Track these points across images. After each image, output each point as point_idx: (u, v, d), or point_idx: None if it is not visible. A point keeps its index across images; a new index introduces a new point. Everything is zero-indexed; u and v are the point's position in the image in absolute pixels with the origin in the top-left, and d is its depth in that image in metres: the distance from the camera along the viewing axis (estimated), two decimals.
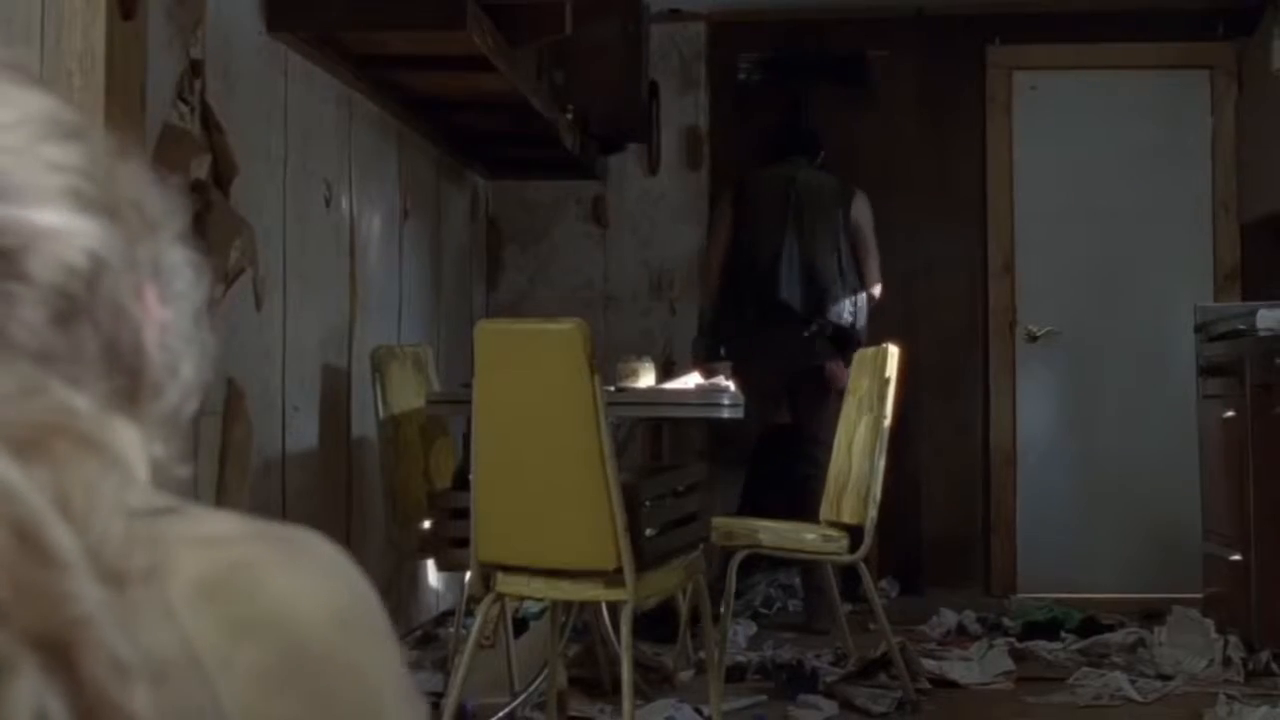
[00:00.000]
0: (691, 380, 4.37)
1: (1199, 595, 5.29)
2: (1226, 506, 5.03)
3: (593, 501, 3.13)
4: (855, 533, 4.27)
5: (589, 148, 5.90)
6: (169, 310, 0.75)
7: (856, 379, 4.53)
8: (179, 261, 0.77)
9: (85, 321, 0.67)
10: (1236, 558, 4.86)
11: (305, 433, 4.03)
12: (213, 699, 0.61)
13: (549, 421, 3.19)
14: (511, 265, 6.48)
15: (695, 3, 6.34)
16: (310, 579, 0.67)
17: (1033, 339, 6.36)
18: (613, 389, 3.73)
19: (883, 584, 5.83)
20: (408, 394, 4.32)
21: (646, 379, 4.25)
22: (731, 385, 4.19)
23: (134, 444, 0.70)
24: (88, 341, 0.67)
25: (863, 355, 4.52)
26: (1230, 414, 4.94)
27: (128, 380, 0.71)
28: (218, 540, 0.66)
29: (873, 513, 4.19)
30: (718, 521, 4.13)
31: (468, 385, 3.52)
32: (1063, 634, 5.03)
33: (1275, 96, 5.44)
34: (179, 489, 0.74)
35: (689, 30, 6.47)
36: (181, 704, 0.61)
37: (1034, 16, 6.31)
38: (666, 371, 5.27)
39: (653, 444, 5.64)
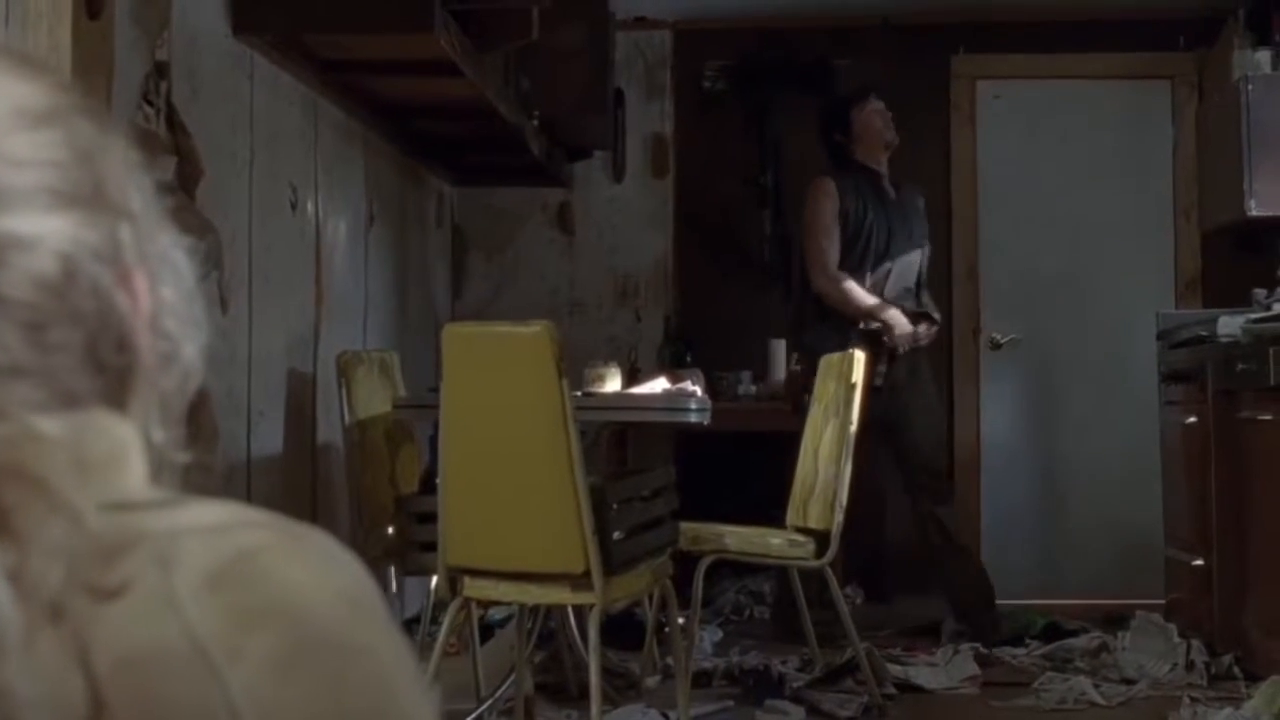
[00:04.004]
0: (659, 385, 4.37)
1: (1161, 601, 5.33)
2: (1188, 512, 5.07)
3: (560, 504, 3.13)
4: (822, 538, 4.28)
5: (555, 155, 5.90)
6: (164, 292, 0.74)
7: (823, 384, 4.54)
8: (167, 242, 0.76)
9: (62, 325, 0.66)
10: (1198, 563, 4.89)
11: (270, 438, 4.01)
12: (221, 689, 0.60)
13: (517, 424, 3.19)
14: (477, 272, 6.47)
15: (661, 10, 6.36)
16: (315, 566, 0.66)
17: (996, 346, 6.40)
18: (580, 394, 3.73)
19: (848, 590, 5.83)
20: (374, 399, 4.31)
21: (613, 384, 4.25)
22: (699, 390, 4.19)
23: (125, 440, 0.69)
24: (66, 343, 0.66)
25: (828, 361, 4.53)
26: (1192, 420, 4.97)
27: (117, 372, 0.70)
28: (220, 528, 0.65)
29: (839, 518, 4.20)
30: (685, 526, 4.13)
31: (435, 390, 3.52)
32: (1027, 640, 5.05)
33: (1235, 107, 5.48)
34: (180, 475, 0.73)
35: (655, 38, 6.48)
36: (187, 695, 0.60)
37: (998, 26, 6.35)
38: (632, 378, 5.27)
39: (619, 449, 5.63)
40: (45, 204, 0.66)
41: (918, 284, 5.32)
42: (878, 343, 5.08)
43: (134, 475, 0.69)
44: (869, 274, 5.21)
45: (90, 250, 0.67)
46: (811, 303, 5.30)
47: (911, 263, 5.30)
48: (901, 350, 5.17)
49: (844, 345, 4.60)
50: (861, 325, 5.14)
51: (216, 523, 0.66)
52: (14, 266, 0.64)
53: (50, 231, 0.66)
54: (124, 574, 0.61)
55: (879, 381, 5.06)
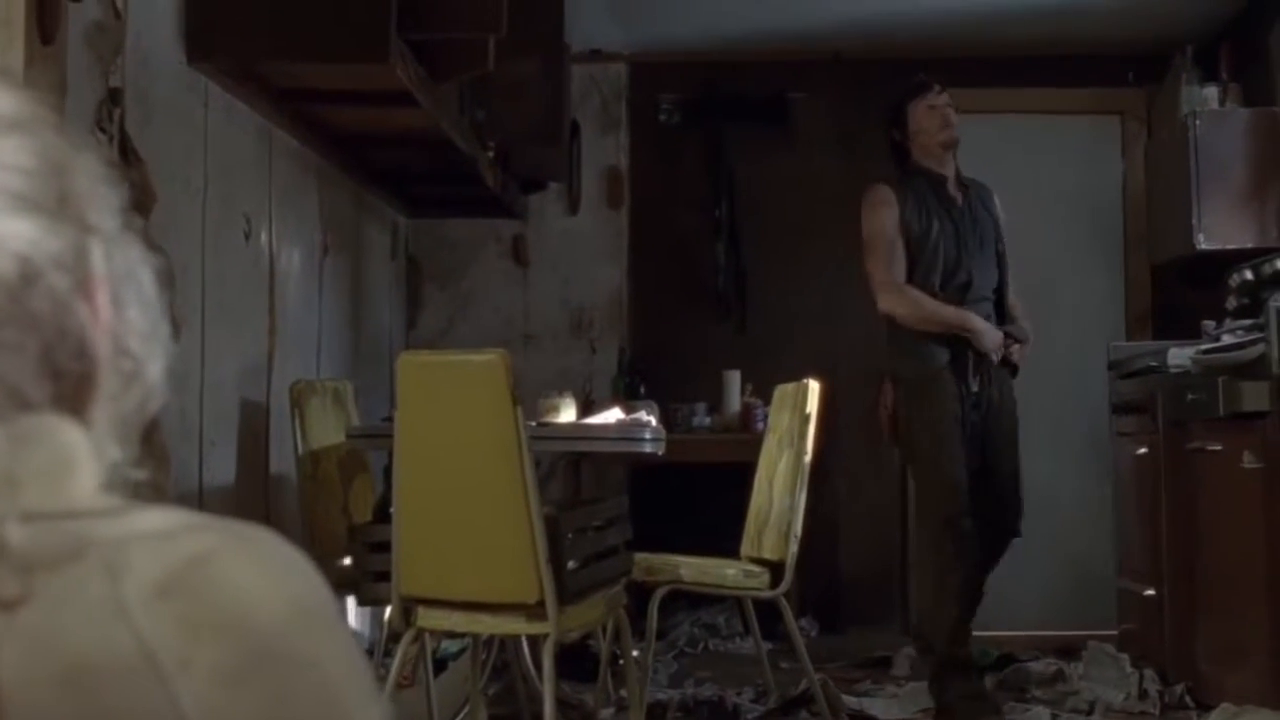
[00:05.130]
0: (613, 416, 4.37)
1: (1114, 631, 5.35)
2: (1140, 542, 5.10)
3: (515, 533, 3.12)
4: (776, 568, 4.28)
5: (510, 186, 5.90)
6: (129, 311, 0.73)
7: (777, 414, 4.55)
8: (135, 259, 0.75)
9: (15, 326, 0.65)
10: (1150, 593, 4.92)
11: (223, 467, 3.98)
12: (170, 699, 0.59)
13: (471, 453, 3.18)
14: (431, 303, 6.46)
15: (616, 43, 6.38)
16: (267, 574, 0.65)
17: None
18: (534, 424, 3.73)
19: (802, 623, 5.83)
20: (327, 429, 4.29)
21: (567, 415, 4.25)
22: (654, 421, 4.19)
23: (73, 446, 0.68)
24: (20, 346, 0.65)
25: (783, 391, 4.54)
26: (1143, 450, 5.01)
27: (74, 380, 0.69)
28: (168, 534, 0.65)
29: (794, 548, 4.20)
30: (639, 557, 4.12)
31: (389, 419, 3.50)
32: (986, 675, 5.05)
33: (1184, 142, 5.55)
34: (132, 493, 0.72)
35: (610, 71, 6.51)
36: (137, 704, 0.59)
37: (951, 61, 6.39)
38: (586, 409, 5.27)
39: (573, 481, 5.62)
40: (5, 206, 0.66)
41: (999, 295, 4.73)
42: (963, 355, 4.54)
43: (82, 483, 0.68)
44: (942, 289, 4.60)
45: (51, 257, 0.67)
46: (888, 328, 4.70)
47: (989, 272, 4.70)
48: (995, 358, 4.59)
49: (931, 364, 4.49)
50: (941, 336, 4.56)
51: (164, 528, 0.65)
52: None
53: (9, 234, 0.65)
54: (38, 585, 0.60)
55: (975, 387, 4.56)
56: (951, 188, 4.75)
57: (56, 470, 0.66)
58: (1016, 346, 4.64)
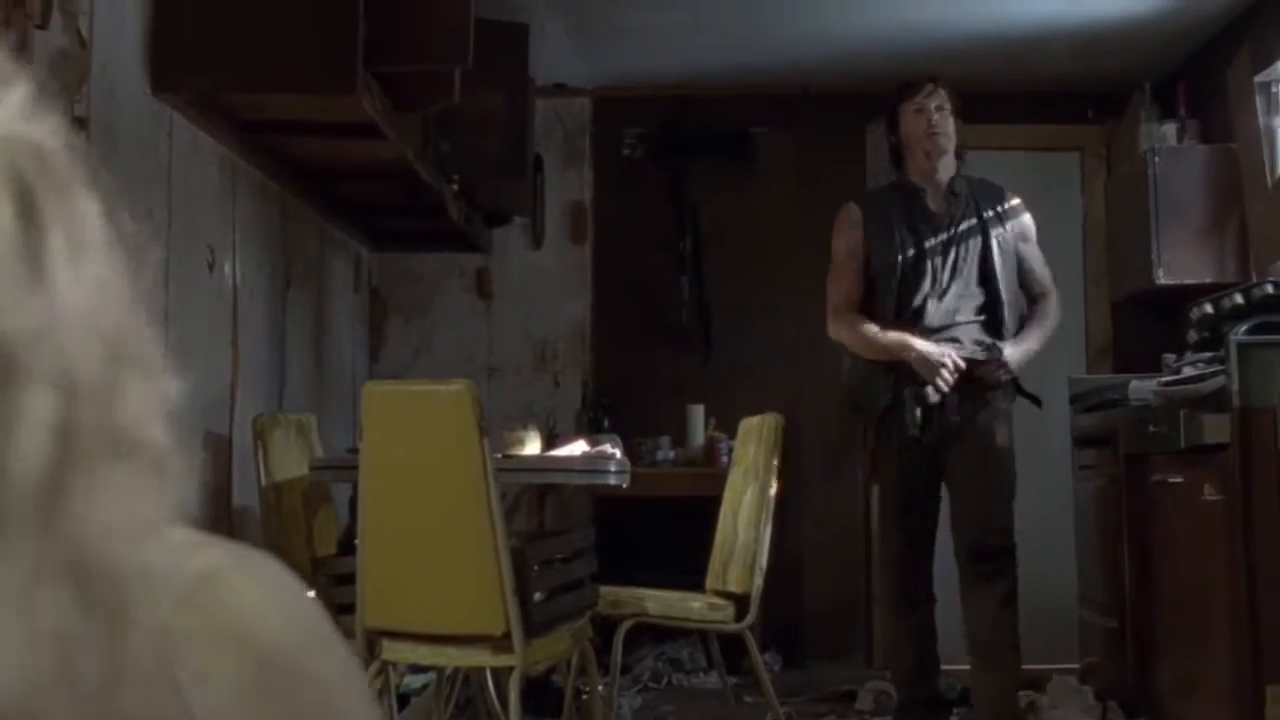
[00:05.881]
0: (578, 448, 4.36)
1: (1076, 665, 5.36)
2: (1101, 574, 5.12)
3: (481, 564, 3.10)
4: (741, 602, 4.27)
5: (474, 220, 5.90)
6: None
7: (742, 448, 4.55)
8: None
9: None
10: (1112, 625, 4.94)
11: (185, 501, 3.94)
12: (185, 710, 0.59)
13: (437, 483, 3.16)
14: (395, 336, 6.44)
15: (581, 78, 6.40)
16: (272, 593, 0.65)
17: None
18: (499, 456, 3.71)
19: (766, 657, 5.82)
20: (290, 462, 4.26)
21: (532, 447, 4.24)
22: (619, 453, 4.19)
23: None
24: None
25: (748, 424, 4.54)
26: (1104, 483, 5.04)
27: None
28: (176, 549, 0.64)
29: (759, 581, 4.20)
30: (604, 591, 4.11)
31: (353, 451, 3.49)
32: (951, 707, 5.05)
33: (1143, 178, 5.61)
34: None
35: (574, 105, 6.52)
36: (153, 714, 0.59)
37: None
38: (550, 443, 5.26)
39: (537, 514, 5.61)
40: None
41: (988, 313, 4.35)
42: (908, 385, 4.26)
43: None
44: (898, 316, 4.32)
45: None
46: (850, 355, 4.53)
47: (969, 293, 4.34)
48: (940, 386, 4.22)
49: (892, 395, 4.25)
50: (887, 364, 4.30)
51: (172, 543, 0.65)
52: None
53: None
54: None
55: (914, 430, 4.24)
56: (935, 200, 4.41)
57: None
58: (993, 365, 4.28)
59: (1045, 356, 6.32)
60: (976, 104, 6.46)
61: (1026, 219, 4.56)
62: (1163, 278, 5.51)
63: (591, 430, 5.74)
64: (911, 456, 4.30)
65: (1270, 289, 4.34)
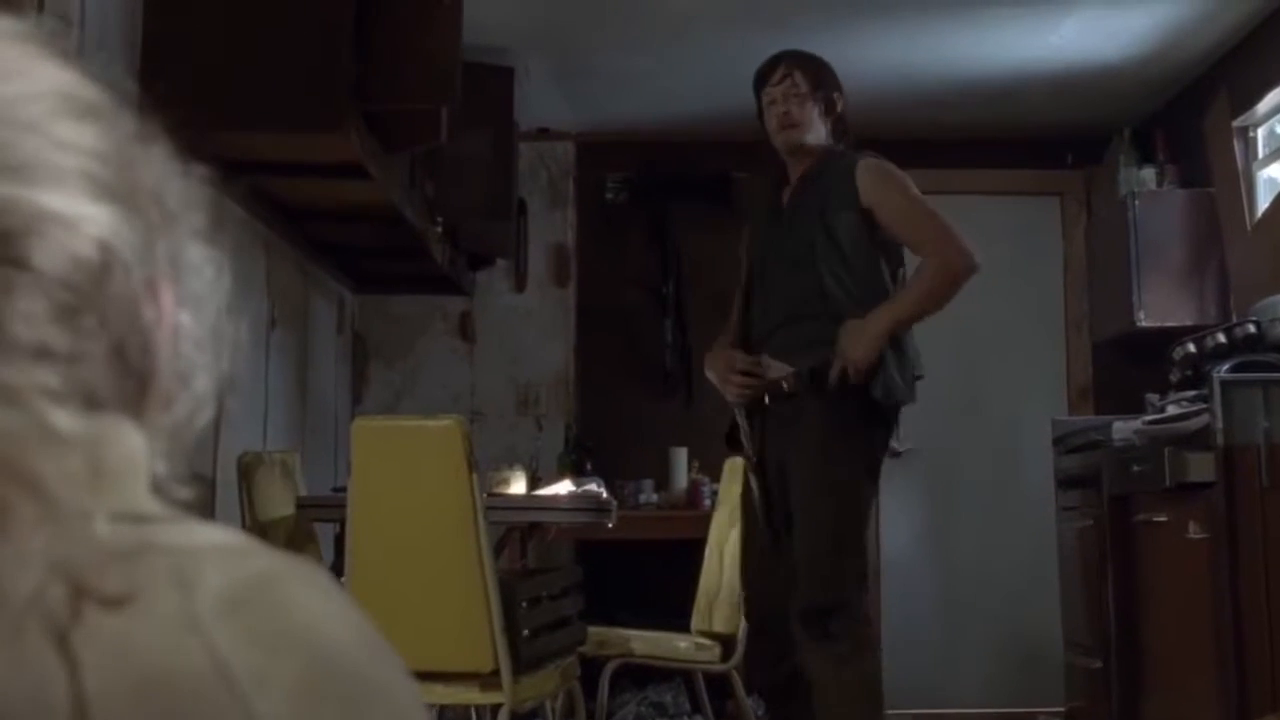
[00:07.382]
0: (564, 488, 4.36)
1: (1061, 708, 5.35)
2: (1086, 616, 5.12)
3: (469, 600, 3.09)
4: (727, 642, 4.26)
5: (458, 262, 5.91)
6: (185, 313, 0.71)
7: (727, 488, 4.55)
8: (199, 259, 0.73)
9: (92, 319, 0.63)
10: (1097, 666, 4.93)
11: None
12: (247, 714, 0.58)
13: (426, 519, 3.15)
14: (377, 379, 6.43)
15: (564, 122, 6.43)
16: (330, 599, 0.64)
17: (895, 455, 6.45)
18: (486, 495, 3.70)
19: (751, 699, 5.79)
20: (274, 501, 4.24)
21: (518, 487, 4.23)
22: (604, 493, 4.18)
23: (139, 450, 0.66)
24: (93, 340, 0.63)
25: (733, 464, 4.54)
26: (1087, 524, 5.04)
27: (135, 385, 0.67)
28: (234, 551, 0.63)
29: (744, 622, 4.18)
30: (590, 631, 4.09)
31: (339, 489, 3.47)
32: None
33: (1122, 222, 5.65)
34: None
35: (558, 149, 6.55)
36: (211, 717, 0.58)
37: (891, 143, 6.46)
38: (533, 486, 5.25)
39: (520, 557, 5.58)
40: (88, 190, 0.64)
41: (820, 305, 3.62)
42: (740, 415, 3.76)
43: (144, 488, 0.66)
44: (745, 327, 3.83)
45: (129, 247, 0.65)
46: None
47: (794, 286, 3.68)
48: (733, 396, 3.70)
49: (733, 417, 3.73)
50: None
51: (229, 544, 0.63)
52: (52, 239, 0.61)
53: (90, 216, 0.64)
54: (135, 586, 0.59)
55: (750, 456, 3.73)
56: (789, 194, 3.81)
57: (126, 472, 0.64)
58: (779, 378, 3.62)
59: (1026, 399, 6.37)
60: (958, 150, 6.54)
61: (868, 177, 3.72)
62: (1144, 320, 5.54)
63: (574, 473, 5.72)
64: (760, 485, 3.66)
65: (1253, 328, 4.37)
